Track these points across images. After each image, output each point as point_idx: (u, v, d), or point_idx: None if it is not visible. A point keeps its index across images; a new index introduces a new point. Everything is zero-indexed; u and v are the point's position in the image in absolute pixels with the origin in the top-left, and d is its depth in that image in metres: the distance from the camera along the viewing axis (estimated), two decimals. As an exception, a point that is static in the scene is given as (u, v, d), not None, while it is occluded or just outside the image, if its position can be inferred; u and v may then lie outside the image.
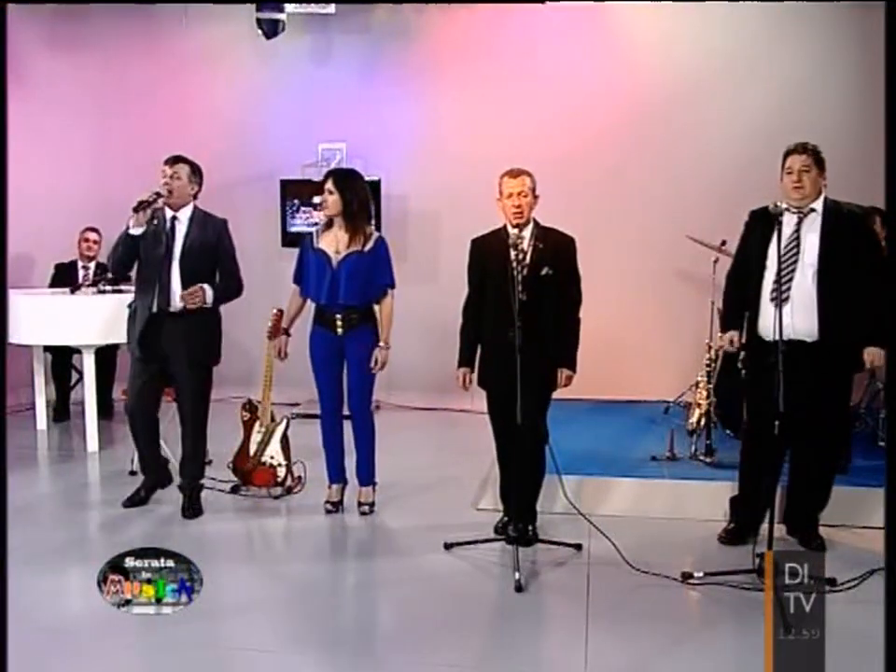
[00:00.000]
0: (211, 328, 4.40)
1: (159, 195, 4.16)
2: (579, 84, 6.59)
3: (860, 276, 3.71)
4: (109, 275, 5.78)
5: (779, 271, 3.66)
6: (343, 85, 6.90)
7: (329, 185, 4.26)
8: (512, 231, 3.85)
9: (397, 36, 6.85)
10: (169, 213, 4.27)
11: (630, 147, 6.52)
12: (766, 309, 3.79)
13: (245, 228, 6.98)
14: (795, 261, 3.69)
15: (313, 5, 6.65)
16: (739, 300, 3.96)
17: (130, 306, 4.42)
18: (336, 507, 4.47)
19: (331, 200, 4.25)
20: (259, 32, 6.58)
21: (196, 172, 4.33)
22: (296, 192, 6.82)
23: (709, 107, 6.44)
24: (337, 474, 4.50)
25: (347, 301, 4.25)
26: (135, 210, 4.12)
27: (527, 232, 3.91)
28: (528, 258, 3.84)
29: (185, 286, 4.22)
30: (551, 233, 3.96)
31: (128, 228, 4.18)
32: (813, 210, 3.77)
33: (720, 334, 4.04)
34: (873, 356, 3.75)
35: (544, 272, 3.86)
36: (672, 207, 6.38)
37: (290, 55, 6.94)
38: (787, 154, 3.83)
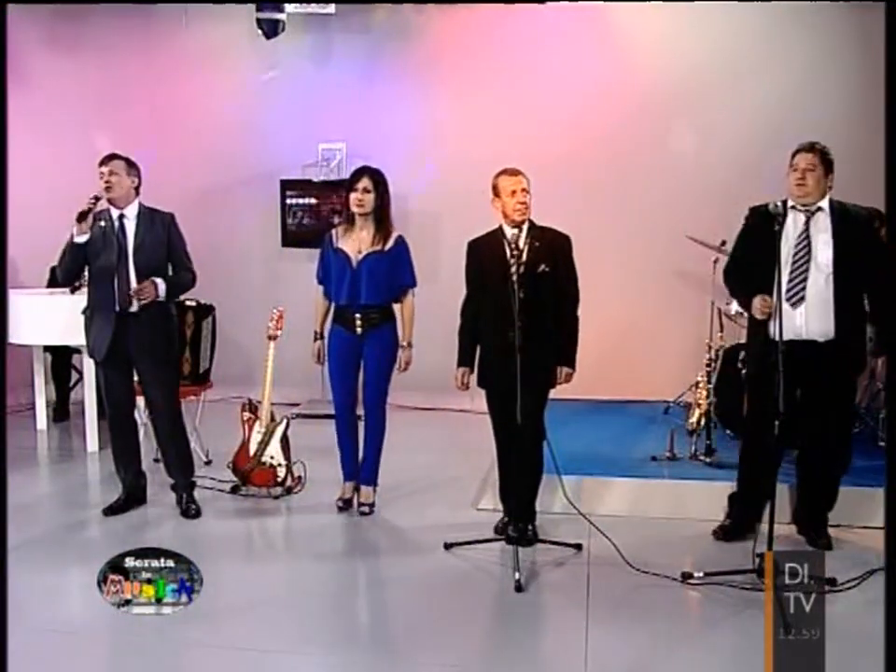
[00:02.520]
0: (168, 323, 4.39)
1: (97, 199, 4.12)
2: (579, 84, 6.58)
3: (868, 278, 3.74)
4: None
5: (791, 271, 3.69)
6: (343, 85, 6.90)
7: (367, 183, 4.23)
8: (512, 231, 3.84)
9: (397, 36, 6.84)
10: (115, 212, 4.24)
11: (630, 147, 6.51)
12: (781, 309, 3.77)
13: (245, 228, 7.02)
14: (807, 261, 3.68)
15: (313, 5, 6.65)
16: (748, 285, 3.86)
17: (84, 312, 4.38)
18: (347, 504, 4.46)
19: (368, 199, 4.23)
20: (259, 32, 6.58)
21: (132, 165, 4.29)
22: (296, 192, 6.82)
23: (709, 107, 6.43)
24: (352, 472, 4.47)
25: (368, 300, 4.24)
26: (78, 220, 4.08)
27: (523, 231, 3.91)
28: (525, 256, 3.84)
29: (141, 282, 4.18)
30: (546, 232, 3.96)
31: (72, 237, 4.14)
32: (820, 209, 3.75)
33: (758, 303, 3.75)
34: (881, 363, 3.82)
35: (541, 269, 3.86)
36: (672, 207, 6.38)
37: (290, 55, 6.94)
38: (795, 152, 3.83)
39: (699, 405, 4.97)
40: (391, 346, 4.31)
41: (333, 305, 4.37)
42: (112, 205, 4.23)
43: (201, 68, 7.06)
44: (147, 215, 4.30)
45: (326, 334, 4.43)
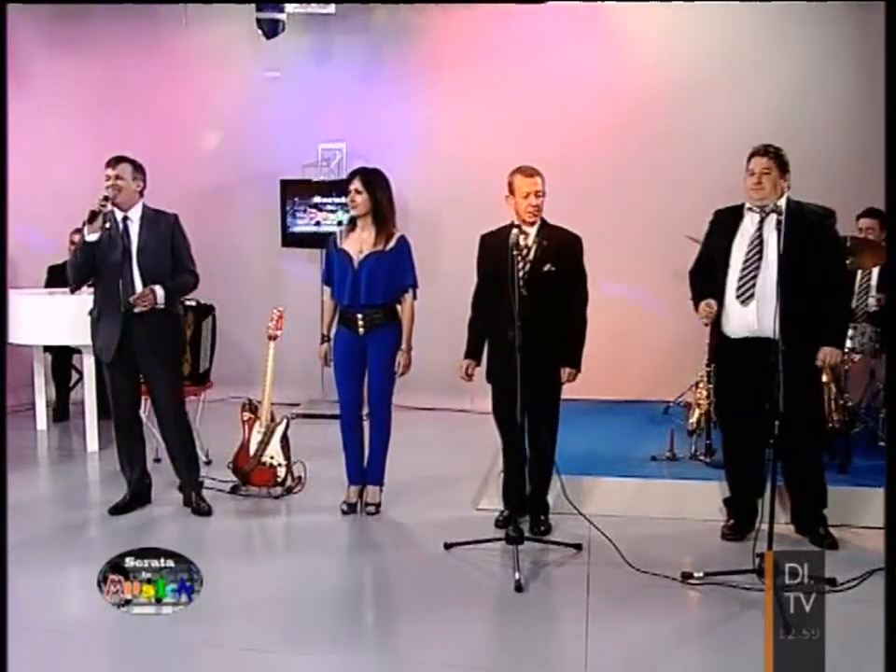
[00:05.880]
0: (173, 324, 4.42)
1: (108, 199, 4.12)
2: (579, 84, 6.59)
3: (820, 275, 3.77)
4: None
5: (742, 269, 3.79)
6: (343, 85, 6.90)
7: (358, 184, 4.23)
8: (514, 231, 3.83)
9: (397, 36, 6.85)
10: (119, 214, 4.25)
11: (630, 147, 6.52)
12: (731, 307, 3.85)
13: (245, 228, 7.02)
14: (759, 259, 3.77)
15: (313, 5, 6.66)
16: (706, 289, 3.94)
17: (91, 313, 4.38)
18: (353, 508, 4.42)
19: (360, 199, 4.22)
20: (259, 32, 6.58)
21: (138, 169, 4.31)
22: (296, 192, 6.82)
23: (710, 107, 6.43)
24: (357, 475, 4.45)
25: (367, 300, 4.23)
26: (89, 221, 4.08)
27: (532, 230, 3.91)
28: (532, 254, 3.86)
29: (146, 284, 4.21)
30: (556, 231, 3.97)
31: (83, 237, 4.15)
32: (774, 210, 3.77)
33: (702, 308, 3.86)
34: (826, 354, 3.82)
35: (546, 268, 3.87)
36: (672, 207, 6.38)
37: (290, 55, 6.94)
38: (750, 156, 3.87)
39: (699, 405, 4.97)
40: (393, 346, 4.29)
41: (339, 307, 4.36)
42: (116, 208, 4.23)
43: (201, 68, 7.06)
44: (150, 216, 4.31)
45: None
